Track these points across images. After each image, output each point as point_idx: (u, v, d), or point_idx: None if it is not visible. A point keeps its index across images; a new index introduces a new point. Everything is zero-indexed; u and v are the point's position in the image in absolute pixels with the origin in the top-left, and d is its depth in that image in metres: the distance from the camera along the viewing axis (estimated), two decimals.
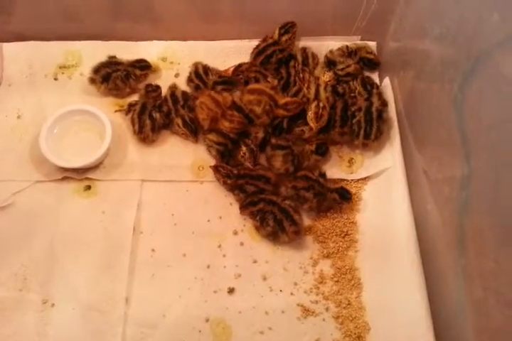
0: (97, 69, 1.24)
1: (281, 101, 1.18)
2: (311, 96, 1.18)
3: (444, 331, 0.96)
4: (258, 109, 1.16)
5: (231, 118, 1.16)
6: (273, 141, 1.16)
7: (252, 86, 1.20)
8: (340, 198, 1.12)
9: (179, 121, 1.20)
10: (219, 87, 1.24)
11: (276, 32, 1.28)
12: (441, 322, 0.97)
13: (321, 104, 1.15)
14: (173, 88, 1.25)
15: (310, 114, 1.15)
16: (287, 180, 1.15)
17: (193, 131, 1.20)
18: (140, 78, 1.27)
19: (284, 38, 1.28)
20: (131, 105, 1.23)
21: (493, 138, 0.81)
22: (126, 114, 1.23)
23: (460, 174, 0.91)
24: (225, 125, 1.16)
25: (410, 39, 1.17)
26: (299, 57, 1.27)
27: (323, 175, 1.14)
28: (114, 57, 1.28)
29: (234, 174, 1.14)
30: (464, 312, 0.90)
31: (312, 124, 1.15)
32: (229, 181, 1.15)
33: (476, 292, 0.87)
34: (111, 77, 1.23)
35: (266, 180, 1.13)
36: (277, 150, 1.14)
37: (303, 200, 1.11)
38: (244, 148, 1.16)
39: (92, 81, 1.25)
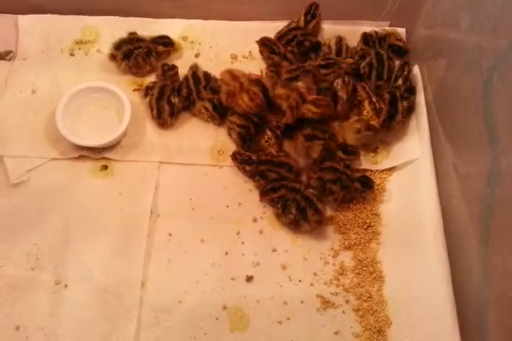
0: (118, 46, 1.20)
1: (310, 97, 1.12)
2: (363, 95, 1.13)
3: (468, 329, 0.94)
4: (285, 105, 1.12)
5: (253, 96, 1.12)
6: (309, 131, 1.11)
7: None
8: (362, 186, 1.09)
9: (208, 105, 1.16)
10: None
11: (302, 19, 1.24)
12: (465, 319, 0.95)
13: (374, 99, 1.11)
14: (194, 68, 1.20)
15: (367, 112, 1.11)
16: (311, 170, 1.12)
17: (222, 114, 1.17)
18: (162, 56, 1.23)
19: (311, 25, 1.24)
20: (148, 88, 1.19)
21: None
22: (144, 96, 1.19)
23: (490, 169, 0.89)
24: (244, 99, 1.11)
25: (443, 26, 1.13)
26: (333, 46, 1.23)
27: (348, 166, 1.11)
28: (135, 33, 1.23)
29: (253, 160, 1.11)
30: (489, 309, 0.88)
31: (374, 122, 1.10)
32: (248, 168, 1.12)
33: (502, 290, 0.85)
34: (132, 54, 1.19)
35: (289, 168, 1.10)
36: (315, 140, 1.10)
37: (328, 193, 1.08)
38: (269, 133, 1.13)
39: (113, 57, 1.21)
